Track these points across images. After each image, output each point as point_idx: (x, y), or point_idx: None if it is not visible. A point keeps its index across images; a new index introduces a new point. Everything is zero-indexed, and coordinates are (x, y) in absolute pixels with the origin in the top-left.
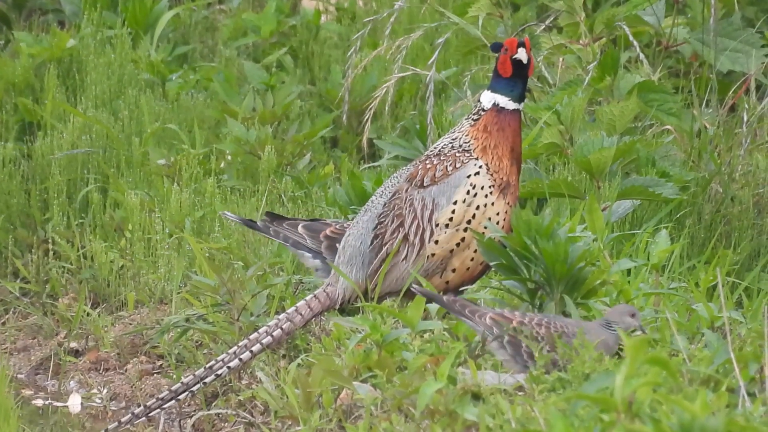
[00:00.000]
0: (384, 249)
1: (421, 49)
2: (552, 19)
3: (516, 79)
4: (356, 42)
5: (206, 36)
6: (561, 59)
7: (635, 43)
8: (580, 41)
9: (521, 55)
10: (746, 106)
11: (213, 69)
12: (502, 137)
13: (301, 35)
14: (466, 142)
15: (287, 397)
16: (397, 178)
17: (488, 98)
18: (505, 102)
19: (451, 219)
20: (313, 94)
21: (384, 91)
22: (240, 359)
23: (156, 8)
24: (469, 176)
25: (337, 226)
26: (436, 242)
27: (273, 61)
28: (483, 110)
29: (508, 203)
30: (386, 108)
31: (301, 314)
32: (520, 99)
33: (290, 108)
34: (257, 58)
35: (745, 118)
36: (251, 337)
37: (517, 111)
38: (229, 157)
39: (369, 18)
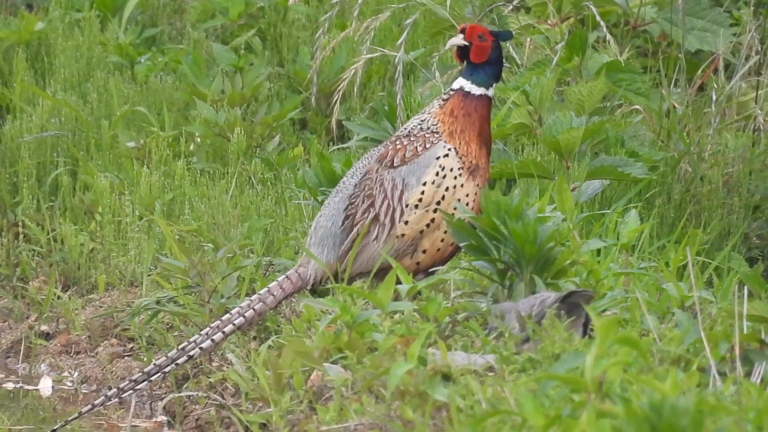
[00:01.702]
0: (355, 229)
1: (389, 30)
2: None
3: (481, 64)
4: (324, 23)
5: (174, 18)
6: (529, 39)
7: (602, 23)
8: (548, 21)
9: (453, 40)
10: (715, 85)
11: (181, 51)
12: (468, 122)
13: (269, 17)
14: (434, 125)
15: (258, 378)
16: (368, 158)
17: (458, 82)
18: (470, 86)
19: (420, 200)
20: (282, 75)
21: (352, 72)
22: (212, 340)
23: None
24: (438, 158)
25: None
26: (406, 223)
27: (241, 43)
28: (452, 90)
29: (478, 185)
30: (355, 89)
31: (273, 295)
32: (485, 84)
33: (259, 90)
34: (225, 40)
35: (714, 98)
36: (224, 318)
37: (483, 96)
38: (199, 140)
39: None
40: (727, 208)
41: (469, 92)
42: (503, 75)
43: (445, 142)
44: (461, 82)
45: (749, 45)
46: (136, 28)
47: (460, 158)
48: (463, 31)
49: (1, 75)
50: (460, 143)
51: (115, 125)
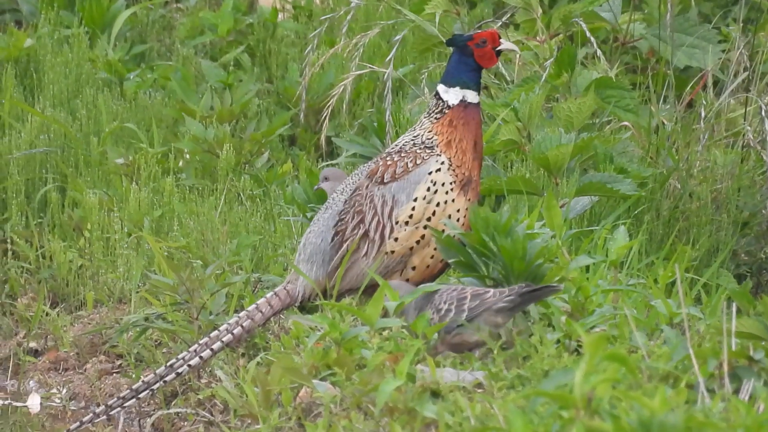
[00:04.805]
0: (344, 246)
1: (378, 46)
2: (509, 15)
3: (479, 70)
4: (313, 40)
5: (163, 35)
6: (518, 56)
7: (592, 39)
8: (537, 38)
9: (507, 45)
10: (704, 101)
11: (170, 68)
12: (466, 131)
13: (258, 33)
14: (428, 138)
15: (246, 395)
16: (358, 175)
17: (456, 94)
18: (473, 96)
19: (411, 216)
20: (271, 92)
21: (341, 88)
22: (201, 357)
23: (113, 7)
24: (430, 173)
25: None
26: (396, 239)
27: (230, 59)
28: (448, 107)
29: (469, 199)
30: (344, 106)
31: (261, 312)
32: (479, 90)
33: (248, 106)
34: (214, 57)
35: (703, 114)
36: (212, 335)
37: (479, 103)
38: (188, 156)
39: (326, 16)
40: (715, 224)
41: (470, 102)
42: (492, 91)
43: (438, 155)
44: (464, 93)
45: (738, 61)
46: (125, 45)
47: (454, 170)
48: (499, 36)
49: None
50: (456, 152)
51: (104, 142)
